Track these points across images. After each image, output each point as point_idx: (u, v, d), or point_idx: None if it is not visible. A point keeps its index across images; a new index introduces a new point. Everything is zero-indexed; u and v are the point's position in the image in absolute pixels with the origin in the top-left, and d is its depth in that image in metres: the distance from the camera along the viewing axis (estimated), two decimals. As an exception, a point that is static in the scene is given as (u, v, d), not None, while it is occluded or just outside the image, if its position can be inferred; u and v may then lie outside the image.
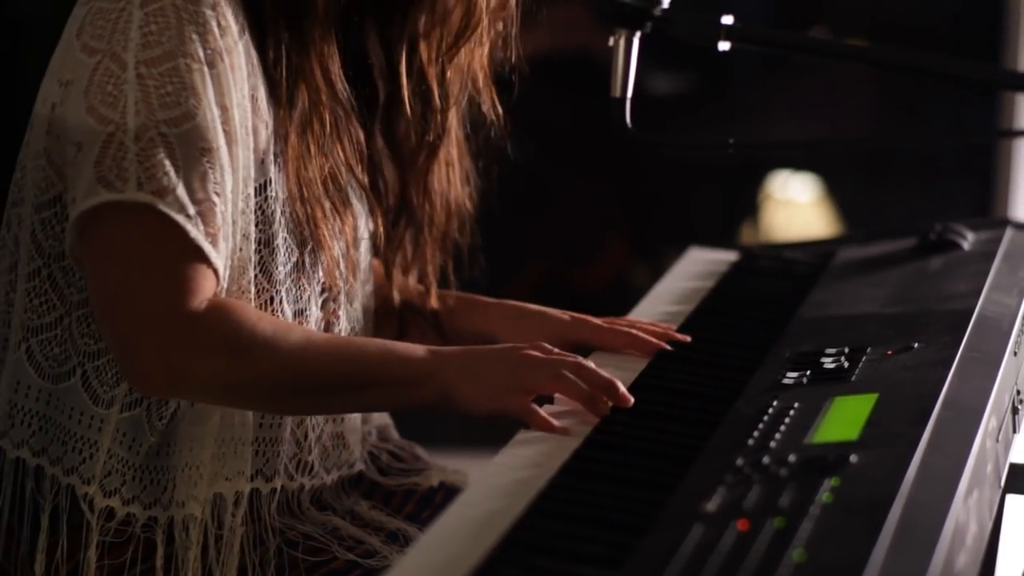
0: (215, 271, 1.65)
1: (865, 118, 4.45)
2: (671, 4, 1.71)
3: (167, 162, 1.61)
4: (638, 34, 1.70)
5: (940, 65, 1.61)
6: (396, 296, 2.01)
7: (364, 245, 1.92)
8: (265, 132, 1.72)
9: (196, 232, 1.62)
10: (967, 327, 1.76)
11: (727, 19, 1.67)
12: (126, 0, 1.64)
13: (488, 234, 2.09)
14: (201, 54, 1.64)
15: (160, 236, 1.62)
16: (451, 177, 1.97)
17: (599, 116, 1.74)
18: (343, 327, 1.86)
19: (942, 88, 3.94)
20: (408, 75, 1.87)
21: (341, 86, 1.78)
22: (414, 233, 1.97)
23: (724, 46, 1.67)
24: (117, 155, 1.61)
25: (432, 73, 1.88)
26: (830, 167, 4.41)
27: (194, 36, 1.64)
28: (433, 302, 2.01)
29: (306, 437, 1.82)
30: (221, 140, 1.64)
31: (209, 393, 1.69)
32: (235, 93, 1.67)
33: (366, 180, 1.88)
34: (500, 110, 1.96)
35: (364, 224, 1.91)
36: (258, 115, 1.71)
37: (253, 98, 1.70)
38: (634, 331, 1.88)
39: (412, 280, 2.02)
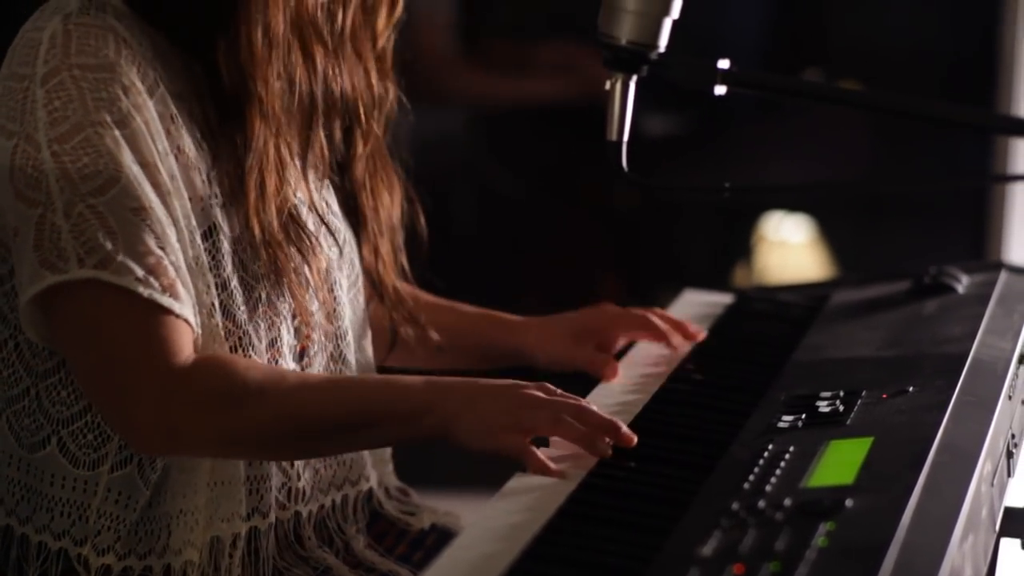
0: (185, 320, 1.65)
1: (860, 159, 4.46)
2: (667, 48, 1.72)
3: (101, 232, 1.61)
4: (635, 78, 1.71)
5: (934, 109, 1.61)
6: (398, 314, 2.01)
7: (346, 266, 1.91)
8: (200, 179, 1.71)
9: (150, 291, 1.61)
10: (962, 371, 1.76)
11: (723, 63, 1.68)
12: (28, 79, 1.65)
13: (481, 273, 2.10)
14: (109, 119, 1.64)
15: (117, 305, 1.62)
16: (383, 179, 1.97)
17: (593, 157, 1.75)
18: (318, 348, 1.84)
19: (937, 129, 3.95)
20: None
21: (288, 111, 1.77)
22: (372, 248, 1.97)
23: (720, 90, 1.68)
24: (52, 236, 1.61)
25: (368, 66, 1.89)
26: (824, 208, 4.42)
27: (99, 103, 1.64)
28: (399, 314, 2.01)
29: (293, 464, 1.81)
30: (152, 196, 1.64)
31: (209, 448, 1.68)
32: (155, 147, 1.66)
33: (328, 209, 1.87)
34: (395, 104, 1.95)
35: (343, 245, 1.90)
36: (188, 164, 1.70)
37: (179, 149, 1.70)
38: (648, 315, 2.03)
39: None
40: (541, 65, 4.21)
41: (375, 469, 1.94)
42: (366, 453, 1.91)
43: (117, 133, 1.64)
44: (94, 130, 1.63)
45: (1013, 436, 1.75)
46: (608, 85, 1.71)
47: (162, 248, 1.63)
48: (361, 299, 1.96)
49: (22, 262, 1.63)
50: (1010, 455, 1.71)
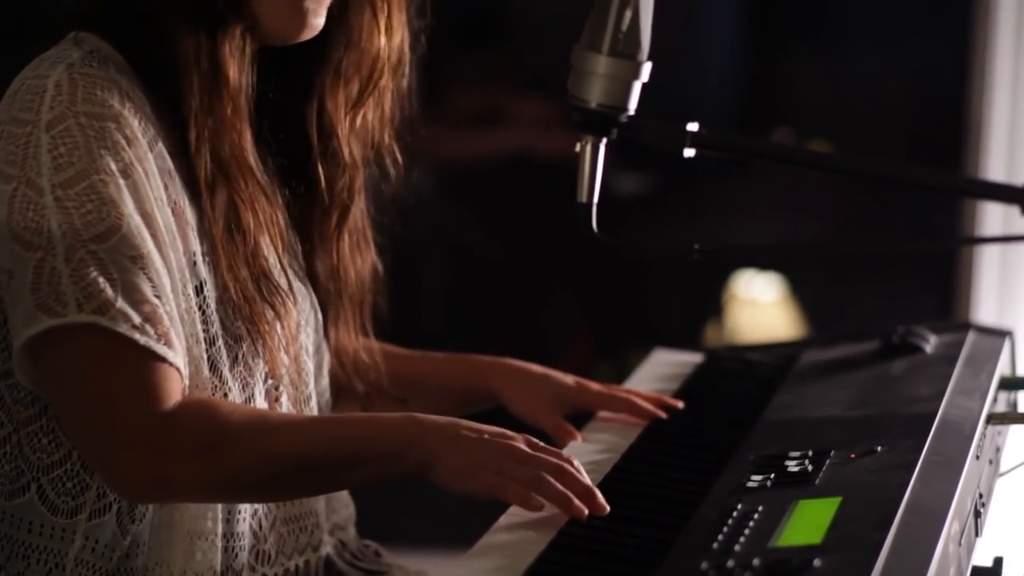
0: (177, 369, 1.65)
1: (830, 217, 4.49)
2: (637, 110, 1.73)
3: (101, 278, 1.62)
4: (604, 140, 1.72)
5: (901, 172, 1.63)
6: (362, 381, 2.01)
7: (312, 324, 1.92)
8: (192, 234, 1.73)
9: (146, 339, 1.62)
10: (930, 431, 1.77)
11: (692, 126, 1.69)
12: (32, 124, 1.66)
13: (451, 331, 2.11)
14: (113, 167, 1.65)
15: (113, 351, 1.62)
16: (359, 249, 1.98)
17: (565, 217, 1.75)
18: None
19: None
20: (318, 136, 1.90)
21: (259, 171, 1.79)
22: (333, 306, 1.98)
23: (689, 152, 1.69)
24: (51, 279, 1.61)
25: (340, 130, 1.90)
26: (794, 267, 4.44)
27: (103, 151, 1.65)
28: (363, 381, 2.01)
29: (260, 527, 1.81)
30: (150, 245, 1.65)
31: (195, 493, 1.68)
32: (154, 200, 1.68)
33: (300, 266, 1.89)
34: (401, 162, 1.98)
35: (308, 309, 1.91)
36: (182, 219, 1.71)
37: (175, 204, 1.71)
38: (632, 397, 2.00)
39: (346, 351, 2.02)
40: (513, 121, 4.23)
41: (332, 536, 1.94)
42: (323, 520, 1.91)
43: (121, 182, 1.65)
44: (99, 177, 1.64)
45: (981, 496, 1.75)
46: (578, 147, 1.72)
47: (158, 297, 1.64)
48: (325, 366, 1.97)
49: (16, 305, 1.64)
50: (978, 515, 1.72)
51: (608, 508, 1.65)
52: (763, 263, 4.38)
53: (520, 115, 4.25)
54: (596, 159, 1.72)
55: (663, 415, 1.98)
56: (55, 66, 1.69)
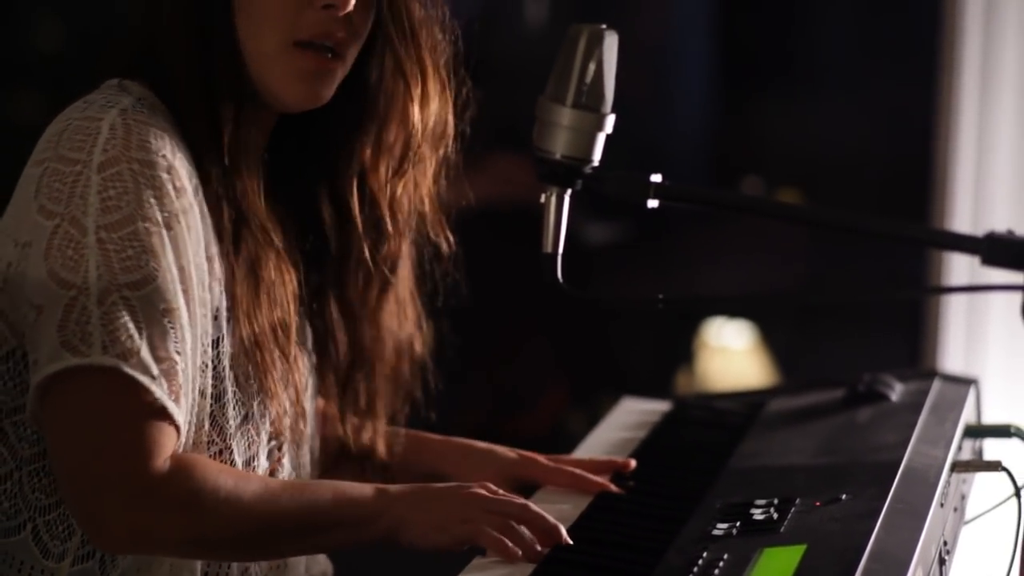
0: (177, 427, 1.66)
1: (799, 264, 4.51)
2: (605, 159, 1.74)
3: (130, 324, 1.62)
4: (569, 191, 1.73)
5: (864, 224, 1.64)
6: (352, 442, 2.02)
7: (310, 390, 1.94)
8: (218, 288, 1.74)
9: (160, 392, 1.63)
10: (894, 479, 1.78)
11: (655, 177, 1.70)
12: (83, 164, 1.66)
13: (421, 382, 2.10)
14: (159, 217, 1.66)
15: (125, 397, 1.63)
16: (400, 317, 1.99)
17: (533, 265, 1.76)
18: (286, 473, 1.87)
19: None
20: (360, 207, 1.91)
21: (279, 232, 1.81)
22: (366, 375, 1.99)
23: (653, 203, 1.70)
24: (80, 319, 1.62)
25: (382, 200, 1.92)
26: (764, 314, 4.46)
27: (152, 200, 1.66)
28: (381, 449, 2.02)
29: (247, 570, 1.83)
30: (181, 300, 1.66)
31: (172, 548, 1.69)
32: (191, 253, 1.69)
33: (308, 327, 1.91)
34: (451, 239, 1.99)
35: (309, 369, 1.93)
36: (213, 274, 1.73)
37: (208, 257, 1.73)
38: (578, 471, 1.95)
39: (363, 425, 2.03)
40: (487, 172, 4.25)
41: None
42: (303, 569, 1.92)
43: (164, 233, 1.66)
44: (144, 225, 1.65)
45: (945, 544, 1.76)
46: (543, 198, 1.73)
47: (179, 353, 1.66)
48: (316, 442, 1.99)
49: (40, 341, 1.64)
50: (942, 562, 1.73)
51: (571, 542, 1.68)
52: (733, 311, 4.39)
53: (493, 164, 4.26)
54: (561, 210, 1.73)
55: (612, 487, 1.92)
56: (107, 109, 1.70)
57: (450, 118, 1.92)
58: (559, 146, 1.71)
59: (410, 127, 1.89)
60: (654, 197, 1.69)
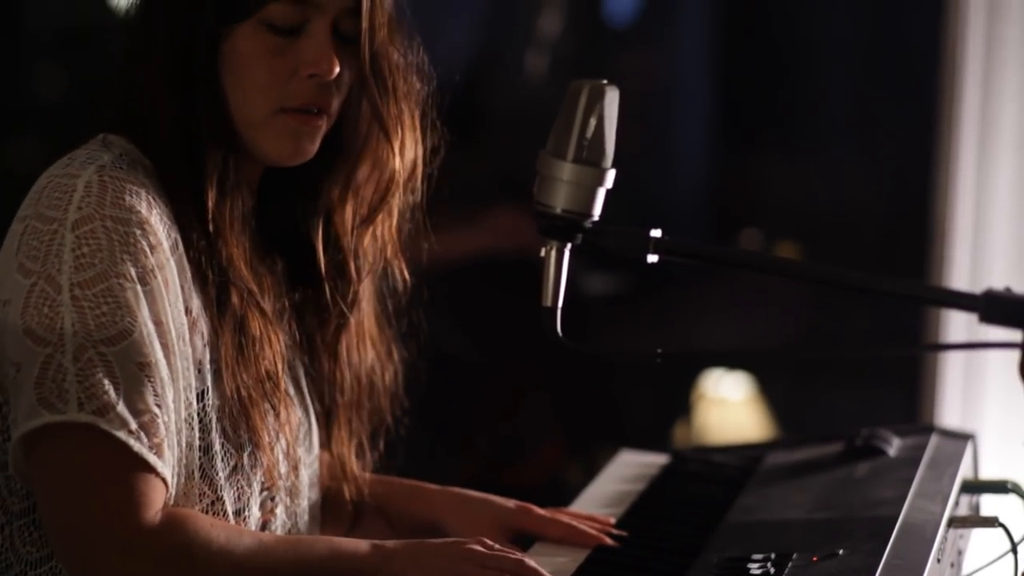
0: (163, 480, 1.66)
1: (798, 317, 4.52)
2: (604, 211, 1.74)
3: (106, 380, 1.63)
4: (568, 245, 1.73)
5: (861, 281, 1.65)
6: (349, 489, 2.02)
7: (313, 439, 1.94)
8: (201, 342, 1.75)
9: (140, 446, 1.64)
10: (891, 534, 1.78)
11: (655, 232, 1.71)
12: (58, 223, 1.68)
13: (421, 430, 2.11)
14: (133, 273, 1.67)
15: (105, 453, 1.63)
16: (362, 351, 2.00)
17: (534, 317, 1.77)
18: (279, 524, 1.87)
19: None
20: (324, 248, 1.92)
21: (267, 285, 1.82)
22: (329, 408, 2.00)
23: (653, 258, 1.70)
24: (57, 376, 1.63)
25: (347, 244, 1.93)
26: (762, 366, 4.46)
27: (125, 256, 1.68)
28: (350, 490, 2.02)
29: None
30: (159, 354, 1.67)
31: None
32: (169, 307, 1.70)
33: (301, 371, 1.92)
34: (408, 278, 2.00)
35: (303, 419, 1.93)
36: (195, 328, 1.74)
37: (188, 311, 1.73)
38: (575, 523, 1.94)
39: (332, 459, 2.03)
40: (489, 224, 4.26)
41: None
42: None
43: (139, 288, 1.67)
44: (117, 281, 1.66)
45: (942, 599, 1.77)
46: (543, 252, 1.74)
47: (159, 406, 1.66)
48: (317, 485, 1.99)
49: (19, 398, 1.65)
50: (939, 618, 1.73)
51: None
52: (731, 363, 4.40)
53: (494, 216, 4.28)
54: (561, 264, 1.73)
55: (607, 541, 1.92)
56: (86, 167, 1.72)
57: (419, 164, 1.93)
58: (560, 200, 1.71)
59: (385, 173, 1.90)
60: (654, 252, 1.70)
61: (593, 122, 1.71)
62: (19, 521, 1.73)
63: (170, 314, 1.70)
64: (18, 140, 4.41)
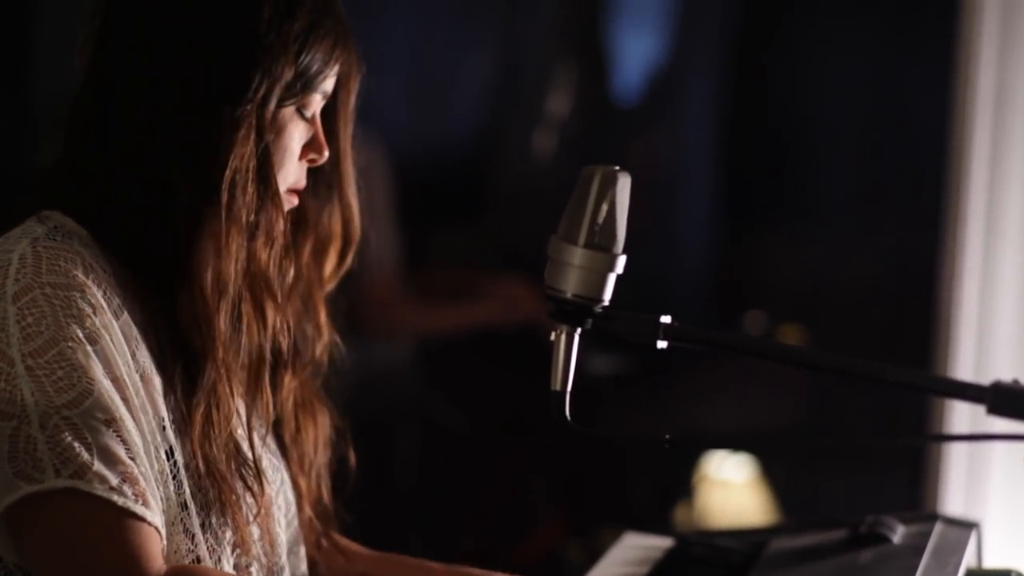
0: (156, 528, 1.67)
1: (801, 401, 4.52)
2: (612, 299, 1.75)
3: (77, 443, 1.64)
4: (579, 330, 1.74)
5: (867, 369, 1.65)
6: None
7: (283, 502, 1.94)
8: (160, 400, 1.75)
9: (125, 500, 1.64)
10: (896, 623, 1.78)
11: (665, 318, 1.71)
12: None
13: (421, 507, 2.11)
14: (80, 334, 1.68)
15: (92, 514, 1.64)
16: (305, 415, 2.01)
17: (537, 394, 1.77)
18: None
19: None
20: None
21: (236, 357, 1.82)
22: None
23: (662, 344, 1.71)
24: (27, 447, 1.63)
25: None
26: (767, 451, 4.46)
27: (70, 319, 1.68)
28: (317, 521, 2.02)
29: None
30: (122, 409, 1.68)
31: None
32: (122, 365, 1.70)
33: (267, 445, 1.92)
34: (327, 334, 2.01)
35: (280, 481, 1.93)
36: (150, 385, 1.74)
37: (144, 370, 1.74)
38: None
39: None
40: (490, 295, 4.26)
41: None
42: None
43: (88, 348, 1.68)
44: (67, 344, 1.67)
45: None
46: (553, 336, 1.75)
47: (132, 459, 1.66)
48: (302, 549, 1.99)
49: None
50: None
51: None
52: (736, 446, 4.40)
53: (494, 290, 4.28)
54: (571, 348, 1.74)
55: None
56: (19, 241, 1.73)
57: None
58: (570, 285, 1.72)
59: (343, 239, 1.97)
60: (664, 339, 1.71)
61: (605, 208, 1.72)
62: None
63: (123, 371, 1.70)
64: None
